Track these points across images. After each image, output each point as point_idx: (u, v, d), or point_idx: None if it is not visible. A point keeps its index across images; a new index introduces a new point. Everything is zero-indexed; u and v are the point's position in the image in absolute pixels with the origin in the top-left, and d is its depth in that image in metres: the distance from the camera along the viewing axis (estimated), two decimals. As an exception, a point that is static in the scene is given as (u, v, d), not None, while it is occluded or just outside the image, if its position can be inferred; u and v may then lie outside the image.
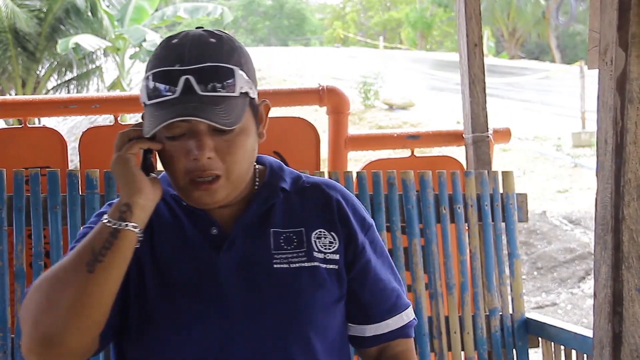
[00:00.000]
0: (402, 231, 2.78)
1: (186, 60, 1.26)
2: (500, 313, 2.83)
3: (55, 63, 16.44)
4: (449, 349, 2.77)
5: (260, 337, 1.32)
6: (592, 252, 1.82)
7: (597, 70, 1.67)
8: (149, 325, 1.34)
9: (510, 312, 2.84)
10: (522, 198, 2.93)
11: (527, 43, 33.88)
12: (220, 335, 1.32)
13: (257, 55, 23.17)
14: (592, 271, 1.74)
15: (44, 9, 15.72)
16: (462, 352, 2.79)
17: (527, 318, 2.83)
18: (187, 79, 1.25)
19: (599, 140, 1.67)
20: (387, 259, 1.49)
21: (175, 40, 1.31)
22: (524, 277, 6.77)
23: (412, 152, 3.12)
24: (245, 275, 1.34)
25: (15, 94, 15.94)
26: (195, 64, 1.26)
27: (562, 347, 2.68)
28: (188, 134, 1.29)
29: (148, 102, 1.29)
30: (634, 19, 1.56)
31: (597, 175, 1.69)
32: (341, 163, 3.08)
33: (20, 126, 2.79)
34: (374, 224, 1.48)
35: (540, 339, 2.80)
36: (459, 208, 2.83)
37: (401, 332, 1.48)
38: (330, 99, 3.04)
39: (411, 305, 1.51)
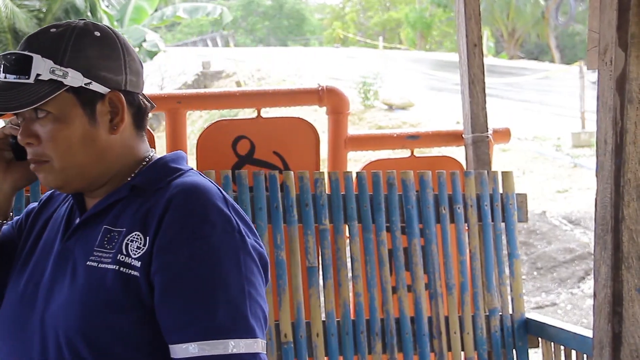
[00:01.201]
0: (401, 231, 2.78)
1: (20, 50, 1.34)
2: (500, 313, 2.83)
3: (55, 63, 16.45)
4: (449, 349, 2.77)
5: (40, 331, 1.31)
6: (592, 252, 1.82)
7: (596, 71, 1.67)
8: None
9: (510, 312, 2.84)
10: (522, 198, 2.93)
11: (527, 43, 33.88)
12: (20, 327, 1.35)
13: (257, 55, 23.18)
14: (592, 271, 1.73)
15: (44, 9, 15.73)
16: (462, 352, 2.79)
17: (527, 318, 2.83)
18: None
19: (599, 141, 1.67)
20: (211, 276, 1.25)
21: None
22: (523, 277, 6.77)
23: (412, 153, 3.12)
24: (60, 268, 1.34)
25: (15, 94, 15.94)
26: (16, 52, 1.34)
27: (562, 347, 2.69)
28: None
29: None
30: (634, 19, 1.57)
31: (596, 176, 1.69)
32: (341, 163, 3.08)
33: (20, 126, 2.79)
34: (216, 239, 1.26)
35: (540, 339, 2.80)
36: (458, 208, 2.83)
37: None
38: (330, 99, 3.04)
39: (247, 340, 1.24)
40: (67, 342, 1.26)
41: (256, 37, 42.23)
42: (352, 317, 2.73)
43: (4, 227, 1.49)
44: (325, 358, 2.70)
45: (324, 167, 3.08)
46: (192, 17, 17.36)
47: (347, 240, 2.77)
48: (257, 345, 1.25)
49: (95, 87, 1.32)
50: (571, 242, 7.76)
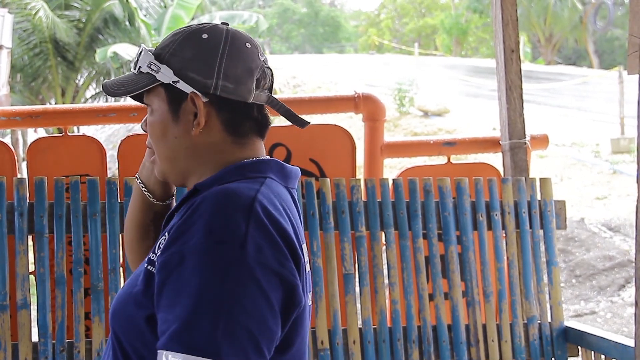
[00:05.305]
0: (438, 238, 2.77)
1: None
2: (539, 321, 2.80)
3: (94, 72, 16.70)
4: (487, 357, 2.75)
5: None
6: (632, 259, 1.79)
7: (636, 76, 1.65)
8: None
9: (549, 320, 2.81)
10: (561, 205, 2.90)
11: (564, 48, 33.53)
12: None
13: (292, 62, 23.27)
14: (633, 279, 1.70)
15: (83, 19, 15.98)
16: (500, 361, 2.77)
17: (566, 326, 2.79)
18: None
19: (640, 147, 1.65)
20: (186, 285, 1.19)
21: None
22: (562, 285, 6.69)
23: (448, 159, 3.11)
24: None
25: (55, 103, 16.20)
26: None
27: (603, 356, 2.65)
28: None
29: None
30: (675, 24, 1.54)
31: (637, 182, 1.67)
32: (377, 170, 3.07)
33: (61, 135, 2.83)
34: (206, 246, 1.19)
35: (579, 347, 2.76)
36: (496, 215, 2.81)
37: None
38: (366, 106, 3.04)
39: (188, 354, 1.14)
40: (112, 334, 1.34)
41: (292, 45, 42.41)
42: (388, 324, 2.72)
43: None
44: (362, 365, 2.69)
45: (360, 174, 3.08)
46: (228, 25, 17.45)
47: (384, 247, 2.77)
48: None
49: (182, 86, 1.35)
50: (611, 250, 7.64)
